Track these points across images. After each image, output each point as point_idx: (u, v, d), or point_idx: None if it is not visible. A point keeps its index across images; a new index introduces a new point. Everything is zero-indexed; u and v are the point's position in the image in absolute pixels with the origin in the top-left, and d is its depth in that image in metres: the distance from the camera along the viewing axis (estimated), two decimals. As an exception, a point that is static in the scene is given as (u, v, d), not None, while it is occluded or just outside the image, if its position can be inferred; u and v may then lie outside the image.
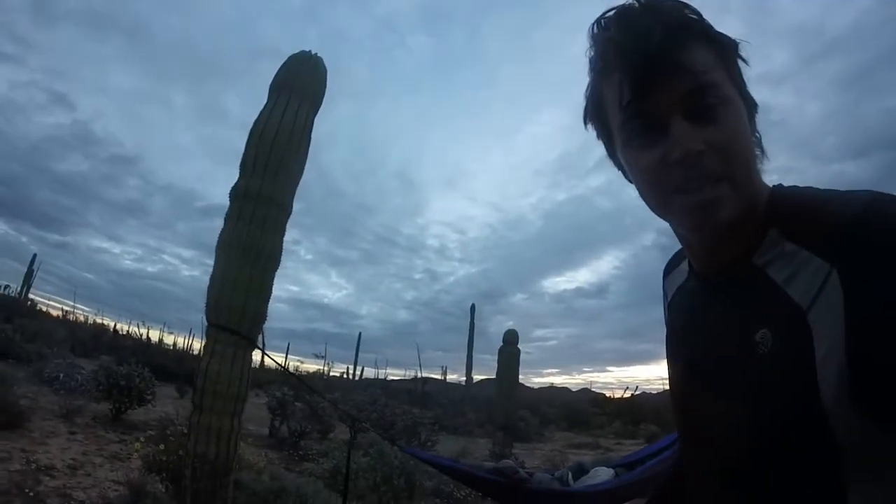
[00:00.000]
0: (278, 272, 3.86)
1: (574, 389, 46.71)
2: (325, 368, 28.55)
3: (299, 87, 3.96)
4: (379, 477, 4.97)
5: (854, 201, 0.58)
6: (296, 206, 4.05)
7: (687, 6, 0.64)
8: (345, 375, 28.67)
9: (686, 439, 0.80)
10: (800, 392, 0.57)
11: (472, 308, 25.08)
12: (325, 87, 4.11)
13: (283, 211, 3.86)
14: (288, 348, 31.13)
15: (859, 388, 0.53)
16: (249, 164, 3.74)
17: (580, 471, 4.27)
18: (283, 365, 5.07)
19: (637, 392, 32.31)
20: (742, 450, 0.63)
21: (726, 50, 0.65)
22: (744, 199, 0.63)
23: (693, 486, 0.78)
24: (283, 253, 3.87)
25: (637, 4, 0.64)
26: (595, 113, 0.73)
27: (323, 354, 28.91)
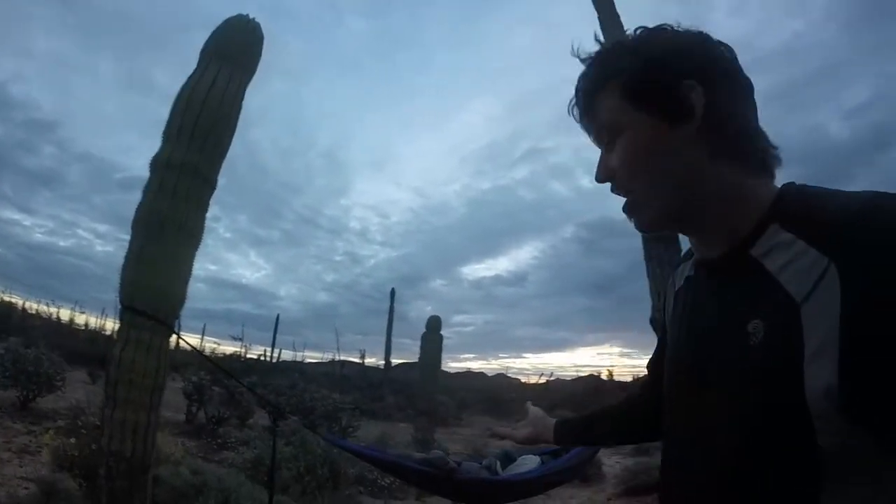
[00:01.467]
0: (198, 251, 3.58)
1: (490, 374, 47.83)
2: (243, 350, 27.67)
3: (233, 52, 3.64)
4: (302, 466, 4.79)
5: (857, 197, 0.59)
6: (219, 181, 3.76)
7: (611, 54, 0.76)
8: (262, 358, 27.93)
9: (671, 427, 0.80)
10: (785, 386, 0.57)
11: (393, 292, 25.03)
12: (260, 54, 3.82)
13: (207, 184, 3.56)
14: (204, 329, 29.82)
15: (847, 388, 0.53)
16: (174, 132, 3.40)
17: (507, 459, 4.32)
18: (199, 349, 4.75)
19: (552, 378, 33.69)
20: (723, 440, 0.64)
21: (632, 82, 0.72)
22: (660, 200, 0.72)
23: (673, 476, 0.78)
24: (204, 228, 3.58)
25: (583, 65, 0.79)
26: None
27: (240, 336, 27.88)
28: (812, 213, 0.62)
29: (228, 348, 28.07)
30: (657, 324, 6.00)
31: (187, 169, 3.39)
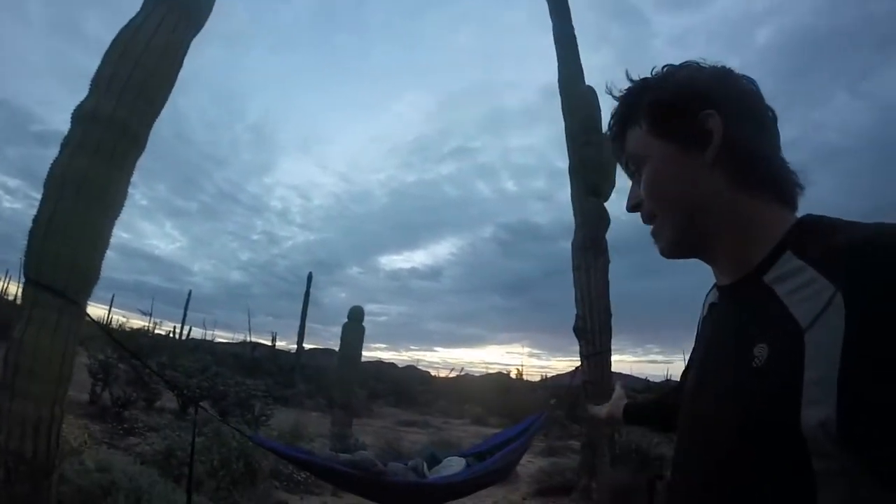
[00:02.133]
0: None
1: (401, 366, 47.97)
2: (151, 326, 26.10)
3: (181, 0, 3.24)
4: (216, 460, 4.43)
5: (867, 228, 0.61)
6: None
7: (635, 92, 0.82)
8: (172, 335, 26.48)
9: (680, 441, 0.81)
10: (781, 410, 0.57)
11: (310, 277, 24.50)
12: (211, 7, 3.42)
13: (135, 144, 3.13)
14: (112, 301, 27.75)
15: (843, 418, 0.53)
16: (104, 81, 2.97)
17: (433, 460, 4.26)
18: (107, 329, 4.27)
19: (462, 373, 34.23)
20: (721, 458, 0.65)
21: (653, 115, 0.78)
22: (678, 227, 0.77)
23: (677, 482, 0.79)
24: (127, 196, 3.16)
25: (615, 103, 0.85)
26: None
27: (149, 311, 26.14)
28: (823, 241, 0.63)
29: (137, 322, 26.33)
30: (579, 331, 6.13)
31: (115, 124, 2.97)
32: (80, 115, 3.00)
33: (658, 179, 0.78)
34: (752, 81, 0.77)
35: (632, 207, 0.83)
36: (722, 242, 0.75)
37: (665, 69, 0.80)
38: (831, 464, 0.55)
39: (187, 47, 3.35)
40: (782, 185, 0.73)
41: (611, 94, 0.85)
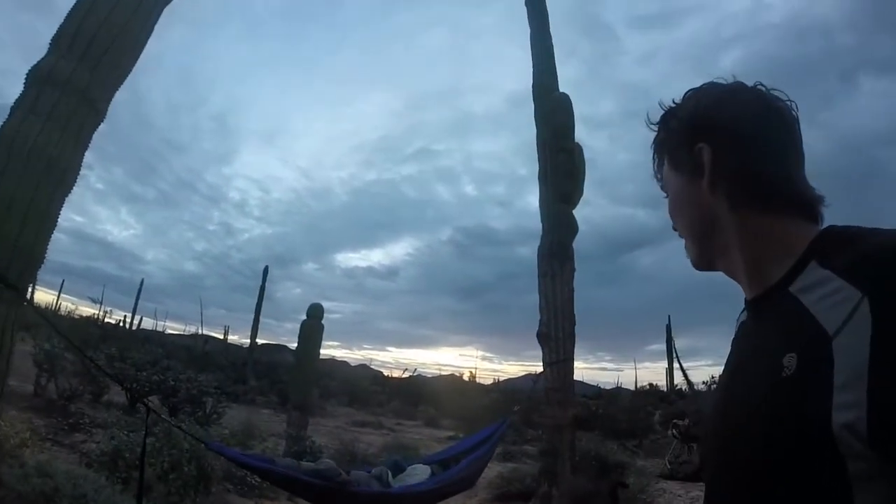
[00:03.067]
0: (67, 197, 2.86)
1: (353, 364, 47.55)
2: (102, 314, 24.93)
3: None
4: (167, 463, 4.13)
5: (891, 232, 0.62)
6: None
7: (660, 126, 0.89)
8: (122, 324, 25.37)
9: (708, 461, 0.81)
10: (813, 417, 0.57)
11: (266, 270, 24.11)
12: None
13: (94, 112, 2.83)
14: (62, 287, 26.39)
15: (874, 422, 0.53)
16: (66, 39, 2.67)
17: (397, 468, 4.12)
18: (50, 320, 3.93)
19: (415, 374, 34.09)
20: (756, 471, 0.64)
21: (669, 147, 0.87)
22: (692, 247, 0.86)
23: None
24: (80, 171, 2.85)
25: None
26: None
27: (100, 299, 24.96)
28: (848, 249, 0.64)
29: (87, 310, 25.13)
30: (543, 338, 6.08)
31: (73, 88, 2.68)
32: (34, 76, 2.72)
33: (675, 206, 0.88)
34: (761, 99, 0.80)
35: (674, 228, 0.90)
36: (738, 258, 0.79)
37: (682, 98, 0.86)
38: (866, 467, 0.55)
39: (159, 13, 3.08)
40: (796, 200, 0.75)
41: (649, 124, 0.91)
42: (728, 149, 0.78)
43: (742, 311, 0.89)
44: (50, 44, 2.72)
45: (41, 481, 2.89)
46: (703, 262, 0.86)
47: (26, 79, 2.70)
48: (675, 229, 0.90)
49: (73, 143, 2.72)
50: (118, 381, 5.64)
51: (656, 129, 0.90)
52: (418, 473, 4.09)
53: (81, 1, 2.73)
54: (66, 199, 2.75)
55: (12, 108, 2.66)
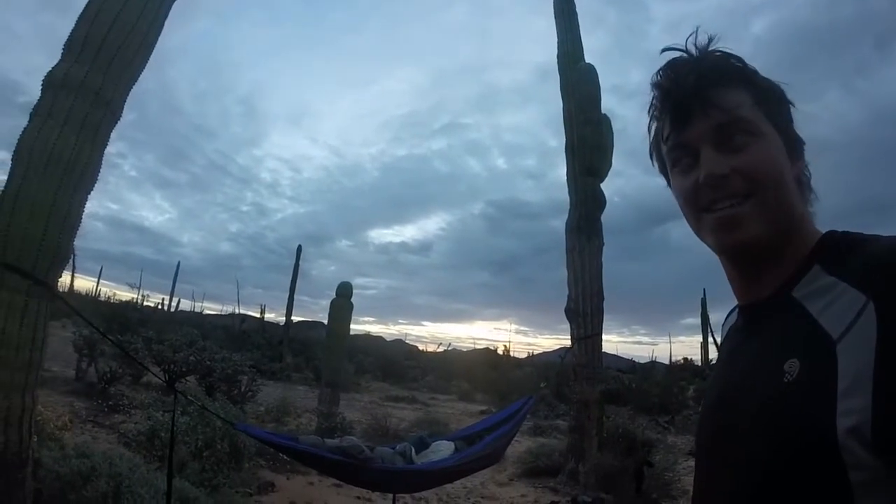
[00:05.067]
0: (96, 187, 2.96)
1: (389, 339, 48.19)
2: (140, 298, 25.96)
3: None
4: (201, 441, 4.31)
5: (893, 238, 0.61)
6: (128, 115, 3.12)
7: (731, 56, 0.73)
8: (160, 307, 26.39)
9: (702, 463, 0.78)
10: (816, 422, 0.56)
11: (299, 249, 24.41)
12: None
13: (109, 112, 2.92)
14: (101, 273, 27.62)
15: (878, 427, 0.52)
16: (77, 44, 2.75)
17: (421, 444, 4.19)
18: (77, 311, 4.10)
19: (450, 348, 34.46)
20: (755, 479, 0.63)
21: (766, 93, 0.72)
22: (770, 221, 0.68)
23: None
24: (101, 168, 2.95)
25: (684, 55, 0.74)
26: (654, 149, 0.83)
27: (137, 284, 25.97)
28: (852, 254, 0.63)
29: (125, 294, 26.24)
30: (571, 314, 6.05)
31: (86, 91, 2.76)
32: (50, 82, 2.80)
33: (774, 164, 0.70)
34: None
35: (719, 175, 0.70)
36: (780, 256, 0.71)
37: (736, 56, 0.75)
38: (868, 475, 0.54)
39: (168, 9, 3.12)
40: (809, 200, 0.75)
41: (693, 44, 0.75)
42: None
43: (729, 316, 0.88)
44: (63, 49, 2.80)
45: (79, 462, 3.07)
46: (766, 240, 0.70)
47: (42, 85, 2.80)
48: (728, 184, 0.69)
49: (91, 143, 2.81)
50: (138, 362, 5.88)
51: (726, 54, 0.73)
52: (442, 450, 4.15)
53: (90, 5, 2.78)
54: (89, 195, 2.86)
55: (31, 115, 2.77)
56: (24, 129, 2.72)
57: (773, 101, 0.73)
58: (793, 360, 0.61)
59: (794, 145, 0.73)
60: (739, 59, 0.73)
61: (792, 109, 0.75)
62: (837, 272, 0.63)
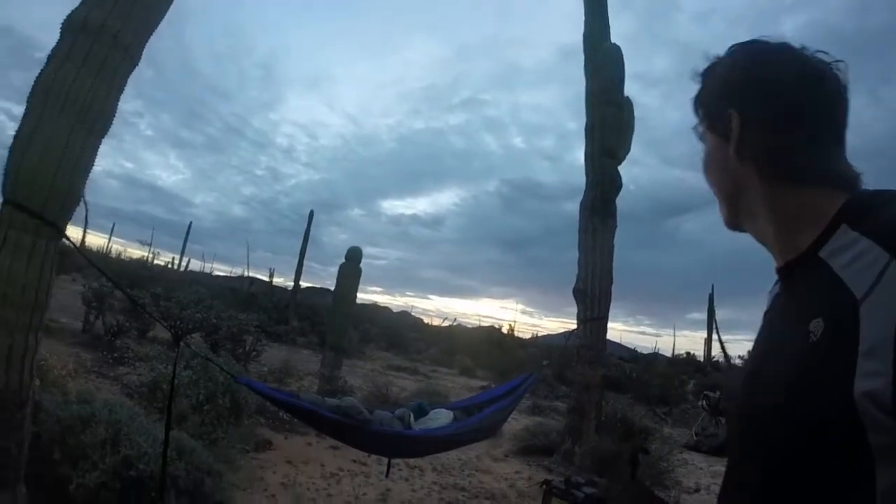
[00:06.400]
0: (108, 141, 2.94)
1: (395, 311, 48.48)
2: (151, 256, 26.26)
3: None
4: (202, 395, 4.37)
5: None
6: (146, 73, 3.09)
7: (698, 86, 0.86)
8: (170, 266, 26.69)
9: (732, 431, 0.80)
10: (836, 383, 0.56)
11: (311, 214, 24.41)
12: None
13: (127, 57, 2.87)
14: (112, 230, 28.05)
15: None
16: (97, -14, 2.71)
17: (420, 411, 4.21)
18: (88, 257, 4.12)
19: (455, 323, 34.59)
20: (779, 440, 0.63)
21: (706, 107, 0.84)
22: (722, 208, 0.85)
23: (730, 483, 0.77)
24: (116, 114, 2.92)
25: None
26: None
27: (149, 242, 26.23)
28: (877, 212, 0.63)
29: (136, 252, 26.54)
30: (579, 294, 6.00)
31: (106, 34, 2.71)
32: (69, 25, 2.76)
33: (706, 164, 0.86)
34: (799, 61, 0.75)
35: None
36: (768, 225, 0.77)
37: (725, 53, 0.82)
38: (888, 439, 0.53)
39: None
40: (831, 178, 0.72)
41: (696, 76, 0.88)
42: (758, 119, 0.76)
43: (775, 284, 0.87)
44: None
45: (79, 407, 3.11)
46: (732, 223, 0.85)
47: (61, 28, 2.76)
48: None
49: (107, 87, 2.77)
50: (146, 310, 5.94)
51: (700, 81, 0.86)
52: (440, 418, 4.16)
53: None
54: (102, 141, 2.83)
55: (49, 57, 2.74)
56: (41, 71, 2.69)
57: (703, 108, 0.85)
58: (817, 319, 0.62)
59: (723, 130, 0.79)
60: (701, 80, 0.85)
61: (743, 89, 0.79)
62: (861, 229, 0.63)
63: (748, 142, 0.76)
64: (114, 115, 2.83)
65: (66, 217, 2.71)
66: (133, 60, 2.90)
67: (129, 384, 5.38)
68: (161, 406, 4.28)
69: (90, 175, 2.83)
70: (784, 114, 0.76)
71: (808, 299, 0.67)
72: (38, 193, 2.54)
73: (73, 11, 2.77)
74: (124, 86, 2.88)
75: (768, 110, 0.76)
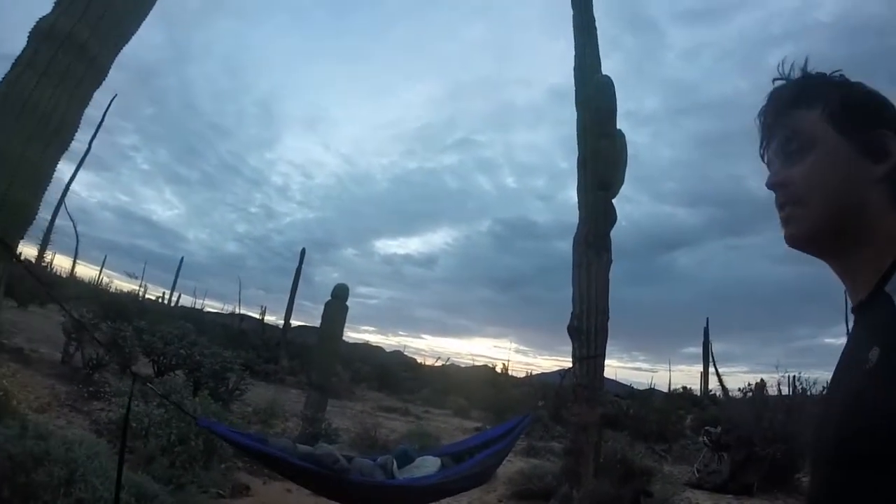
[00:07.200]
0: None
1: (388, 350, 47.86)
2: (141, 290, 25.92)
3: None
4: (174, 435, 4.06)
5: None
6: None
7: (809, 78, 0.83)
8: (161, 300, 26.32)
9: (813, 475, 0.78)
10: (887, 409, 0.57)
11: (303, 252, 24.34)
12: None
13: (93, 69, 2.73)
14: (104, 262, 27.79)
15: None
16: (67, -3, 2.58)
17: (405, 458, 3.85)
18: (43, 282, 3.88)
19: (448, 363, 34.06)
20: (842, 468, 0.63)
21: (837, 106, 0.78)
22: (816, 218, 0.77)
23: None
24: (78, 128, 2.75)
25: (773, 86, 0.87)
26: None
27: (138, 275, 25.94)
28: None
29: (127, 285, 26.21)
30: (574, 331, 5.78)
31: (73, 44, 2.58)
32: (36, 32, 2.64)
33: (826, 168, 0.78)
34: None
35: (773, 185, 0.83)
36: (862, 255, 0.75)
37: (839, 74, 0.82)
38: None
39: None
40: None
41: (781, 73, 0.86)
42: None
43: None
44: (54, 2, 2.62)
45: (33, 443, 2.83)
46: (815, 242, 0.79)
47: (29, 35, 2.64)
48: (778, 187, 0.81)
49: (69, 97, 2.63)
50: (107, 348, 5.64)
51: (810, 77, 0.83)
52: (427, 466, 3.82)
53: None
54: (62, 154, 2.66)
55: (13, 64, 2.60)
56: (3, 77, 2.54)
57: (846, 112, 0.78)
58: (875, 348, 0.62)
59: (874, 150, 0.75)
60: (819, 78, 0.82)
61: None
62: None
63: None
64: (76, 128, 2.67)
65: (19, 234, 2.50)
66: (99, 72, 2.76)
67: (99, 420, 5.05)
68: (131, 445, 3.97)
69: (86, 206, 2.68)
70: None
71: (870, 331, 0.67)
72: (-10, 208, 2.32)
73: (41, 19, 2.65)
74: (89, 98, 2.73)
75: None
